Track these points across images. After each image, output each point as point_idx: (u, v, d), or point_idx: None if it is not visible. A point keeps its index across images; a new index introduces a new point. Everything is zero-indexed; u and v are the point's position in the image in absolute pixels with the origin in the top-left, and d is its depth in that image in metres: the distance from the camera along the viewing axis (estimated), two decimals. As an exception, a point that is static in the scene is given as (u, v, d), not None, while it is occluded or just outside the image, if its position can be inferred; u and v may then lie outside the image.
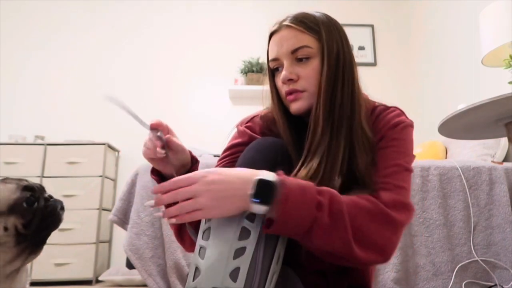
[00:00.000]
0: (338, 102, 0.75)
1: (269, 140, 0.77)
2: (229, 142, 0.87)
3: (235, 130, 0.89)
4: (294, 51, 0.77)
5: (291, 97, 0.78)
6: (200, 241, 0.62)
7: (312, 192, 0.60)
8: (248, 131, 0.85)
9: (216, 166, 0.83)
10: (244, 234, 0.59)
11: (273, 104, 0.84)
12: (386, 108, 0.82)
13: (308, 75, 0.77)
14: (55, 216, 0.81)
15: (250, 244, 0.59)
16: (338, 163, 0.72)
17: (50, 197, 0.83)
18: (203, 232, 0.63)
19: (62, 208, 0.84)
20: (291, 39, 0.77)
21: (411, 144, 0.78)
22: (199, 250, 0.61)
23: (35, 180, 2.79)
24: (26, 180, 0.82)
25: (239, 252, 0.58)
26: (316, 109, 0.75)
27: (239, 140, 0.85)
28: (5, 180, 0.79)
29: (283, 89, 0.80)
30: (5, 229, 0.73)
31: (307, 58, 0.77)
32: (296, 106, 0.78)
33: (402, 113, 0.81)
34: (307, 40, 0.77)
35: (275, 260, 0.61)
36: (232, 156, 0.83)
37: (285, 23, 0.78)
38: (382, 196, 0.67)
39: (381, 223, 0.64)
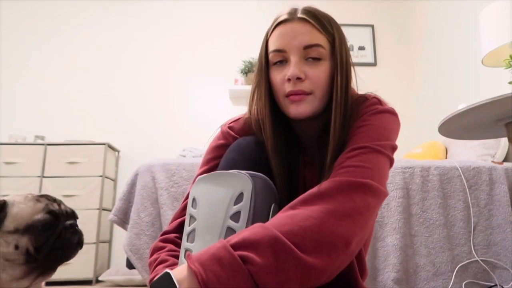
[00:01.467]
0: (348, 111, 0.72)
1: (248, 140, 0.76)
2: (212, 142, 0.84)
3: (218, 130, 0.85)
4: (307, 47, 0.70)
5: (295, 97, 0.71)
6: (185, 244, 0.62)
7: (229, 261, 0.49)
8: (232, 132, 0.82)
9: (202, 168, 0.80)
10: (229, 234, 0.58)
11: (262, 102, 0.76)
12: (365, 99, 0.76)
13: (317, 77, 0.71)
14: (66, 249, 0.76)
15: None
16: None
17: (72, 226, 0.78)
18: (188, 235, 0.62)
19: (79, 243, 0.78)
20: (307, 34, 0.71)
21: (386, 130, 0.70)
22: (185, 253, 0.61)
23: (35, 180, 2.78)
24: (59, 203, 0.78)
25: None
26: (335, 121, 0.70)
27: (222, 141, 0.82)
28: (40, 198, 0.76)
29: (285, 87, 0.72)
30: (16, 247, 0.71)
31: (318, 59, 0.71)
32: (299, 110, 0.72)
33: (378, 101, 0.75)
34: (322, 40, 0.72)
35: None
36: (216, 161, 0.79)
37: (299, 15, 0.72)
38: (327, 183, 0.59)
39: (328, 225, 0.55)
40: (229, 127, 0.83)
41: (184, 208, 0.76)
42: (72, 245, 0.76)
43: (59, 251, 0.74)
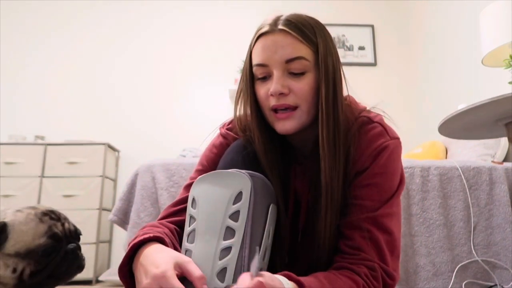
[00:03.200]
0: (340, 124, 0.69)
1: (246, 141, 0.77)
2: (212, 147, 0.83)
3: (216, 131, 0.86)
4: (289, 61, 0.68)
5: (282, 115, 0.69)
6: (185, 245, 0.62)
7: None
8: (231, 133, 0.82)
9: (199, 167, 0.82)
10: (229, 233, 0.59)
11: (251, 115, 0.75)
12: (369, 121, 0.73)
13: (302, 90, 0.68)
14: (66, 274, 0.72)
15: (235, 244, 0.59)
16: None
17: (73, 251, 0.73)
18: (188, 235, 0.63)
19: (80, 268, 0.74)
20: (287, 46, 0.68)
21: (397, 173, 0.71)
22: (185, 253, 0.61)
23: (35, 180, 2.76)
24: (63, 222, 0.73)
25: (224, 253, 0.58)
26: (323, 135, 0.68)
27: (222, 140, 0.82)
28: (43, 217, 0.72)
29: (270, 101, 0.70)
30: (14, 270, 0.67)
31: (302, 73, 0.68)
32: (285, 126, 0.70)
33: (384, 130, 0.71)
34: (304, 51, 0.68)
35: (261, 255, 0.61)
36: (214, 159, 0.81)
37: (280, 26, 0.69)
38: (366, 274, 0.63)
39: None
40: (228, 129, 0.83)
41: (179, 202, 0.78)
42: (70, 272, 0.72)
43: (52, 280, 0.70)
